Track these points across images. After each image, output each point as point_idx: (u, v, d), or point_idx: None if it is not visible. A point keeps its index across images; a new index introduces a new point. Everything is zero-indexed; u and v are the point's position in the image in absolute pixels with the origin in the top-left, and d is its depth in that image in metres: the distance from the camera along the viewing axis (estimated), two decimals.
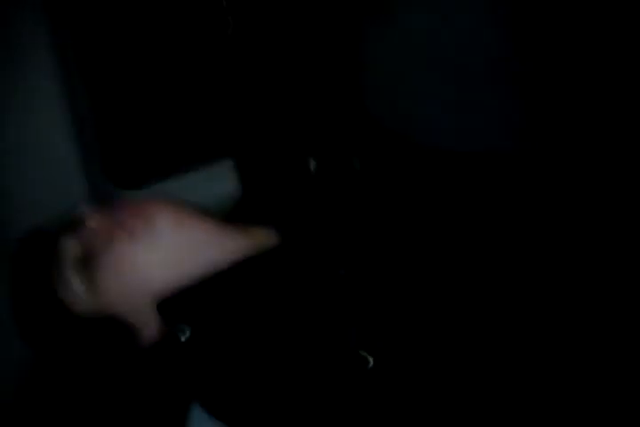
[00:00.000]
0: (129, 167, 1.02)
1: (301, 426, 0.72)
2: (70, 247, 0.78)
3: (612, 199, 0.77)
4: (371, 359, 0.70)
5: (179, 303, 0.76)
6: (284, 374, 0.73)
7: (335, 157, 0.89)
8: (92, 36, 0.97)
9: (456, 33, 0.87)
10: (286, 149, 0.95)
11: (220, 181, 1.01)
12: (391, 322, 0.72)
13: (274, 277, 0.77)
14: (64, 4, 0.95)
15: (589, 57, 0.86)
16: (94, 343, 0.78)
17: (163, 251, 0.76)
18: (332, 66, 0.97)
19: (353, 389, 0.70)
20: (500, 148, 0.85)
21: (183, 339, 0.74)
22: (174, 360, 0.76)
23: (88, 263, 0.77)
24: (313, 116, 0.96)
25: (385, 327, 0.72)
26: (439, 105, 0.89)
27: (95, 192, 0.98)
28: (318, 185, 0.89)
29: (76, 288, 0.77)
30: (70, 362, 0.80)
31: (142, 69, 1.00)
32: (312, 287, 0.76)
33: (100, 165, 0.99)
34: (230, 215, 0.91)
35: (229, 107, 1.02)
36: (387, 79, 0.92)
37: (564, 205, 0.77)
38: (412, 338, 0.71)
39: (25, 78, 0.93)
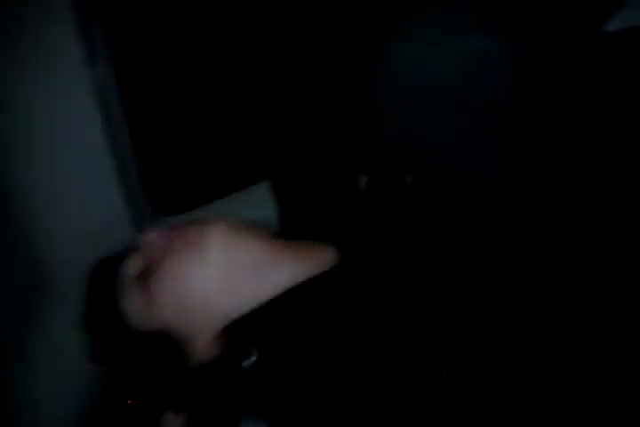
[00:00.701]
0: (169, 193, 1.02)
1: None
2: (132, 265, 0.80)
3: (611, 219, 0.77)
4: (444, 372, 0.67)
5: (248, 327, 0.75)
6: (356, 398, 0.69)
7: (387, 173, 0.90)
8: (131, 61, 0.97)
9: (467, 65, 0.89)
10: (334, 167, 0.96)
11: (259, 205, 1.01)
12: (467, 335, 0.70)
13: (340, 297, 0.75)
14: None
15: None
16: (150, 358, 0.79)
17: (218, 267, 0.76)
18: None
19: (425, 409, 0.67)
20: (509, 172, 0.88)
21: (251, 362, 0.73)
22: (241, 383, 0.74)
23: (146, 279, 0.77)
24: (361, 134, 0.97)
25: (465, 341, 0.69)
26: (449, 131, 0.91)
27: (139, 220, 0.98)
28: (371, 201, 0.89)
29: (133, 304, 0.78)
30: (128, 376, 0.82)
31: (181, 95, 1.01)
32: (381, 305, 0.74)
33: (141, 192, 0.99)
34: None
35: (270, 130, 1.03)
36: (399, 105, 0.94)
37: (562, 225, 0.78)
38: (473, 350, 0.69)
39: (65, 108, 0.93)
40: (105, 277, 0.83)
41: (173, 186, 1.03)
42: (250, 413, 0.79)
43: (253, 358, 0.73)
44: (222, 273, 0.76)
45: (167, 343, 0.77)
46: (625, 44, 0.88)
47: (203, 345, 0.76)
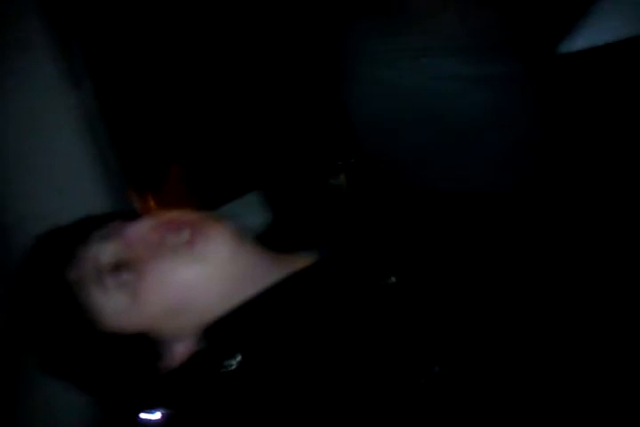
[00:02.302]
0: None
1: None
2: (108, 254, 0.72)
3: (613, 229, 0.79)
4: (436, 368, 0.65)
5: (229, 329, 0.72)
6: (348, 395, 0.66)
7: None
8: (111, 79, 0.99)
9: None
10: (313, 169, 0.97)
11: (251, 213, 1.04)
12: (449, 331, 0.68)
13: (322, 294, 0.72)
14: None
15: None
16: (117, 363, 0.73)
17: (218, 270, 0.72)
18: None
19: (419, 404, 0.64)
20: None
21: (234, 365, 0.69)
22: (223, 387, 0.70)
23: (126, 275, 0.70)
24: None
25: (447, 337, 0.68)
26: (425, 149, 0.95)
27: None
28: (350, 200, 0.91)
29: (116, 299, 0.71)
30: (94, 382, 0.74)
31: (168, 109, 1.03)
32: (361, 299, 0.71)
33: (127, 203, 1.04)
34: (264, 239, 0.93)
35: (255, 141, 1.06)
36: (372, 124, 0.98)
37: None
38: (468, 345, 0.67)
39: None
40: (54, 259, 0.73)
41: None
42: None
43: (238, 359, 0.69)
44: (217, 274, 0.72)
45: (142, 345, 0.72)
46: (583, 64, 0.93)
47: (181, 346, 0.73)
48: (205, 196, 1.08)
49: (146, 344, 0.72)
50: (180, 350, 0.72)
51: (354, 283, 0.73)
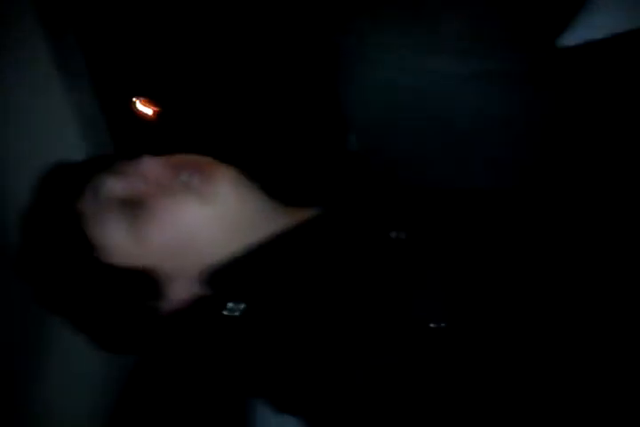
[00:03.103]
0: None
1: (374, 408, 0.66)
2: (116, 188, 0.73)
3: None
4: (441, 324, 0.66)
5: (232, 274, 0.73)
6: (348, 350, 0.67)
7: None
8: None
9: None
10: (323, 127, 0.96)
11: None
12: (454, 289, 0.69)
13: (328, 244, 0.74)
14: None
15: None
16: (115, 297, 0.73)
17: (219, 210, 0.73)
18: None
19: (418, 357, 0.66)
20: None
21: (238, 313, 0.70)
22: (225, 336, 0.71)
23: (135, 210, 0.72)
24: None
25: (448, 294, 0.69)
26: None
27: None
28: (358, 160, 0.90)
29: (117, 232, 0.72)
30: (88, 317, 0.75)
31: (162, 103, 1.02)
32: (366, 251, 0.72)
33: None
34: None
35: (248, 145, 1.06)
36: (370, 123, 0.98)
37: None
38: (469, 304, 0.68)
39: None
40: (65, 188, 0.75)
41: None
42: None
43: (242, 306, 0.70)
44: (225, 221, 0.73)
45: (144, 281, 0.73)
46: (580, 59, 0.92)
47: (182, 287, 0.73)
48: None
49: (147, 280, 0.73)
50: (182, 292, 0.73)
51: (359, 235, 0.74)
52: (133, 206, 0.72)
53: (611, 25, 0.92)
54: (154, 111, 0.94)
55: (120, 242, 0.72)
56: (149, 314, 0.74)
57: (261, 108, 1.07)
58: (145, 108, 0.99)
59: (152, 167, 0.74)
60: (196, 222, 0.72)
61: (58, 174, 0.77)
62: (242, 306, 0.69)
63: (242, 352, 0.70)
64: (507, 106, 0.94)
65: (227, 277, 0.72)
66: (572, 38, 0.92)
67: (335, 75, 0.97)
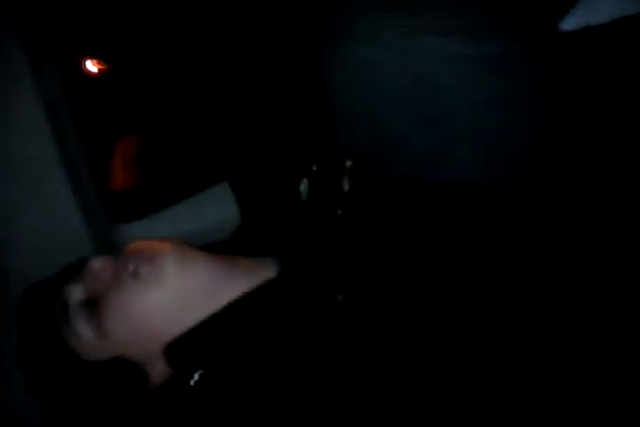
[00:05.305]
0: (124, 201, 1.03)
1: None
2: (76, 295, 0.78)
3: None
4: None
5: (187, 347, 0.76)
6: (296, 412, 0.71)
7: (325, 179, 0.89)
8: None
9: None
10: (279, 171, 0.95)
11: (219, 205, 1.02)
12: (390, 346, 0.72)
13: (275, 311, 0.76)
14: None
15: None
16: (104, 387, 0.78)
17: (168, 292, 0.76)
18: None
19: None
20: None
21: (192, 383, 0.74)
22: (185, 404, 0.75)
23: (94, 307, 0.76)
24: (304, 139, 0.97)
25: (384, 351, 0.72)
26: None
27: (95, 231, 0.98)
28: (310, 207, 0.88)
29: (83, 333, 0.76)
30: (82, 407, 0.79)
31: (135, 100, 1.01)
32: (313, 317, 0.75)
33: (96, 203, 1.00)
34: (231, 242, 0.93)
35: (223, 133, 1.02)
36: (354, 108, 0.92)
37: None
38: (412, 364, 0.70)
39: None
40: (40, 304, 0.81)
41: (128, 192, 1.03)
42: None
43: (195, 376, 0.74)
44: (176, 300, 0.76)
45: (121, 369, 0.77)
46: (580, 43, 0.87)
47: (157, 365, 0.77)
48: (172, 187, 1.03)
49: (127, 367, 0.77)
50: (158, 370, 0.77)
51: (309, 300, 0.77)
52: (92, 305, 0.77)
53: (613, 9, 0.89)
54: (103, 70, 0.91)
55: (90, 340, 0.76)
56: (139, 393, 0.78)
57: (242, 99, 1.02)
58: (94, 67, 0.96)
59: (100, 265, 0.78)
60: (150, 308, 0.76)
61: (31, 297, 0.83)
62: (195, 376, 0.74)
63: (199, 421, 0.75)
64: (505, 91, 0.88)
65: (183, 349, 0.76)
66: (573, 22, 0.88)
67: (319, 54, 0.93)
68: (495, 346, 0.71)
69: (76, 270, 0.80)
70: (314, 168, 0.90)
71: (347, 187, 0.87)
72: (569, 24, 0.88)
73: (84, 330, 0.76)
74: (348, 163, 0.89)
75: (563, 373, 0.68)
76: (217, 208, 1.02)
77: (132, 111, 1.02)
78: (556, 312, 0.70)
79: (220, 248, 0.85)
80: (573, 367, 0.68)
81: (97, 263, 0.78)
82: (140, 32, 1.04)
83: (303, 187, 0.88)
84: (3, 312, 0.90)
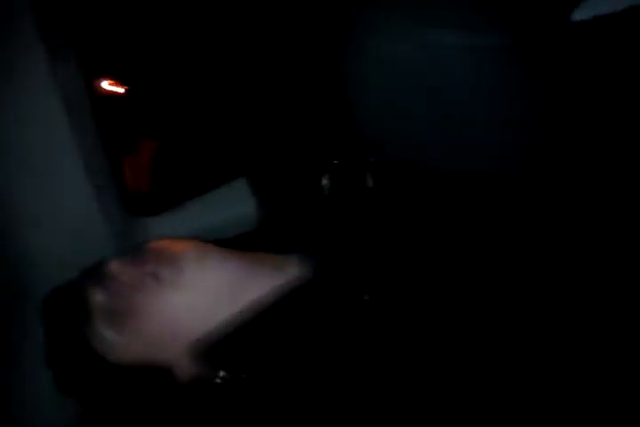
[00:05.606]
0: (144, 195, 1.03)
1: None
2: (99, 299, 0.77)
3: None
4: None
5: (213, 346, 0.76)
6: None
7: (348, 174, 0.90)
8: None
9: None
10: (300, 167, 0.95)
11: (239, 200, 1.01)
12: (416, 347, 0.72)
13: (303, 310, 0.76)
14: None
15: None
16: (131, 387, 0.78)
17: (191, 293, 0.76)
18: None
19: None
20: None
21: (218, 381, 0.74)
22: (214, 407, 0.75)
23: (118, 313, 0.76)
24: (325, 134, 0.97)
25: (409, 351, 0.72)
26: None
27: (116, 227, 0.98)
28: (331, 203, 0.89)
29: (108, 339, 0.77)
30: (111, 407, 0.80)
31: (155, 93, 1.01)
32: (341, 320, 0.75)
33: (117, 197, 1.00)
34: (253, 237, 0.93)
35: (243, 127, 1.02)
36: (371, 100, 0.93)
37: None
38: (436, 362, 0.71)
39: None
40: (65, 310, 0.80)
41: (149, 186, 1.03)
42: None
43: (221, 374, 0.74)
44: (200, 300, 0.76)
45: (148, 373, 0.77)
46: (592, 33, 0.87)
47: (182, 371, 0.77)
48: (192, 181, 1.04)
49: (152, 367, 0.77)
50: (185, 368, 0.76)
51: (339, 299, 0.76)
52: (117, 311, 0.77)
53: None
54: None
55: (114, 343, 0.77)
56: (166, 393, 0.78)
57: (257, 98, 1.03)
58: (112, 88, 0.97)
59: (120, 267, 0.78)
60: (171, 310, 0.76)
61: (55, 300, 0.82)
62: (221, 374, 0.74)
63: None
64: (515, 81, 0.89)
65: (209, 349, 0.75)
66: (584, 12, 0.88)
67: (338, 49, 0.93)
68: (495, 346, 0.71)
69: (97, 272, 0.79)
70: (335, 163, 0.91)
71: (370, 182, 0.88)
72: (580, 14, 0.88)
73: (107, 333, 0.77)
74: (372, 159, 0.90)
75: (562, 366, 0.68)
76: (235, 203, 1.02)
77: (151, 109, 1.02)
78: (559, 310, 0.71)
79: (242, 243, 0.86)
80: (572, 361, 0.68)
81: (117, 265, 0.78)
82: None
83: (325, 182, 0.89)
84: (24, 312, 0.90)
